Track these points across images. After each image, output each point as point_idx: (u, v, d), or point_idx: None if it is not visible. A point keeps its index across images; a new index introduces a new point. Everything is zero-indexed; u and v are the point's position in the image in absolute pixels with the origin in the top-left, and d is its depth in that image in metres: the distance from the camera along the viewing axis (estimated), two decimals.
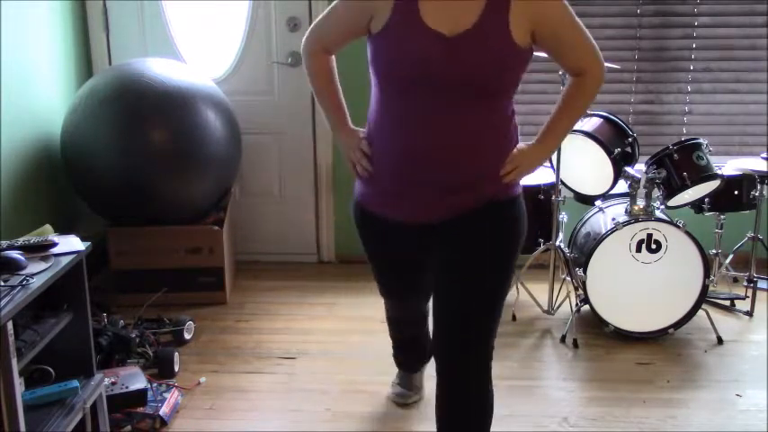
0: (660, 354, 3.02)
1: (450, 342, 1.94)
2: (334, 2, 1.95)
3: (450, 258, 1.94)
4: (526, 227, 1.99)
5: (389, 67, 1.84)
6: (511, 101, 1.91)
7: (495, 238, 1.93)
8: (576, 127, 3.18)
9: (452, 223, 1.92)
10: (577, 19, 1.85)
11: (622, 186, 3.22)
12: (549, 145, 2.01)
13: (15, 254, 1.99)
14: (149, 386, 2.56)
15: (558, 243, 3.27)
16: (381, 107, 1.92)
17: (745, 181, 3.27)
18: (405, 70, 1.81)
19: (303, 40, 2.05)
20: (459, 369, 1.96)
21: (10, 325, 1.78)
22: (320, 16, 2.01)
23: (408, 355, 2.65)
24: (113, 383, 2.50)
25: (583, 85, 1.93)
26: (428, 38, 1.76)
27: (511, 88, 1.87)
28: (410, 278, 2.24)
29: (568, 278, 3.32)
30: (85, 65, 3.80)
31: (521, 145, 1.96)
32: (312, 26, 2.04)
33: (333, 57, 2.07)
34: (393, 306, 2.45)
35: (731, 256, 3.58)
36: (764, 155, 3.27)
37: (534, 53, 1.86)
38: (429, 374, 2.47)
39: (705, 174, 3.09)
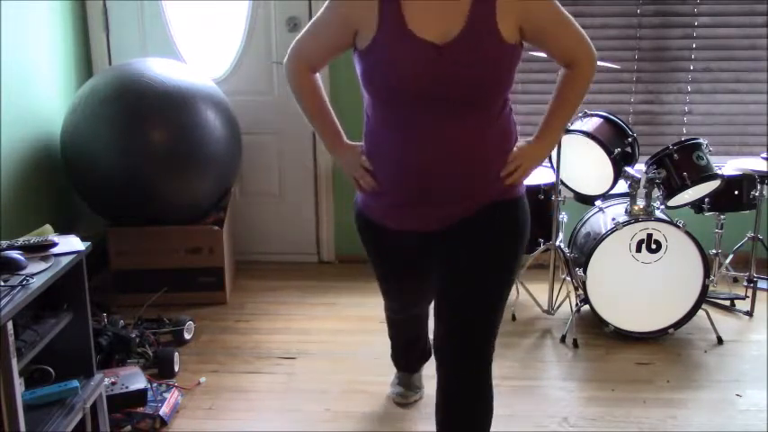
0: (660, 354, 3.02)
1: (452, 343, 1.94)
2: (315, 17, 1.91)
3: (452, 260, 1.94)
4: (529, 227, 1.98)
5: (383, 83, 1.81)
6: (507, 99, 1.89)
7: (497, 240, 1.92)
8: (576, 127, 3.18)
9: (453, 228, 1.91)
10: (563, 9, 1.84)
11: (622, 186, 3.22)
12: (548, 140, 1.99)
13: (15, 254, 2.00)
14: (149, 386, 2.56)
15: (558, 243, 3.27)
16: (377, 121, 1.90)
17: (745, 181, 3.27)
18: (399, 85, 1.78)
19: (285, 58, 2.00)
20: (461, 370, 1.96)
21: (10, 325, 1.78)
22: (301, 33, 1.96)
23: (408, 356, 2.65)
24: (113, 383, 2.50)
25: (575, 75, 1.91)
26: (419, 49, 1.74)
27: (506, 87, 1.85)
28: (412, 282, 2.24)
29: (568, 278, 3.32)
30: (85, 65, 3.80)
31: (520, 143, 1.94)
32: (294, 44, 1.98)
33: (317, 74, 2.01)
34: (394, 308, 2.44)
35: (731, 256, 3.57)
36: (764, 155, 3.27)
37: (529, 52, 1.85)
38: (429, 374, 2.47)
39: (705, 174, 3.09)
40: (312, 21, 1.92)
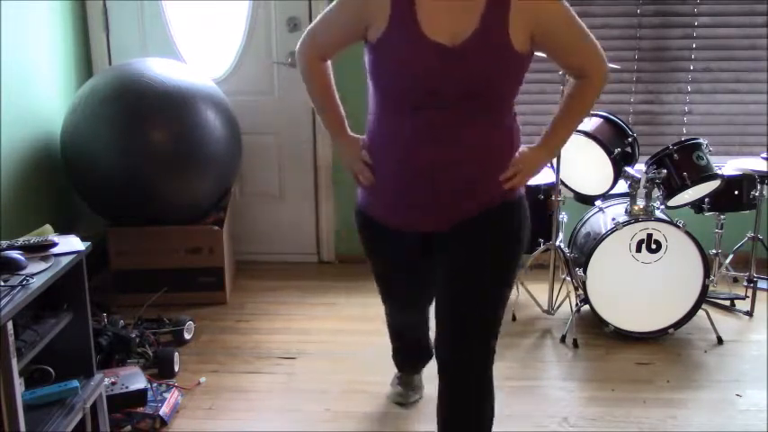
0: (660, 354, 3.02)
1: (453, 345, 1.94)
2: (330, 6, 1.92)
3: (453, 261, 1.94)
4: (529, 228, 1.98)
5: (390, 81, 1.82)
6: (512, 107, 1.90)
7: (497, 240, 1.92)
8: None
9: (454, 228, 1.91)
10: (578, 19, 1.83)
11: (622, 186, 3.22)
12: (551, 148, 2.00)
13: (15, 254, 1.99)
14: (149, 386, 2.56)
15: (558, 243, 3.27)
16: (380, 117, 1.90)
17: (745, 181, 3.27)
18: (406, 83, 1.79)
19: (298, 44, 2.01)
20: (461, 371, 1.96)
21: (10, 325, 1.78)
22: (315, 21, 1.97)
23: (408, 358, 2.64)
24: (113, 383, 2.50)
25: (585, 86, 1.91)
26: (429, 50, 1.74)
27: (512, 95, 1.86)
28: (410, 282, 2.23)
29: (568, 278, 3.32)
30: (85, 65, 3.80)
31: (523, 148, 1.94)
32: (307, 31, 1.99)
33: (329, 63, 2.02)
34: (393, 311, 2.44)
35: (731, 256, 3.57)
36: (764, 155, 3.27)
37: (534, 54, 1.85)
38: (429, 375, 2.47)
39: (705, 174, 3.09)
40: (326, 9, 1.93)
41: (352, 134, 2.06)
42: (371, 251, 2.16)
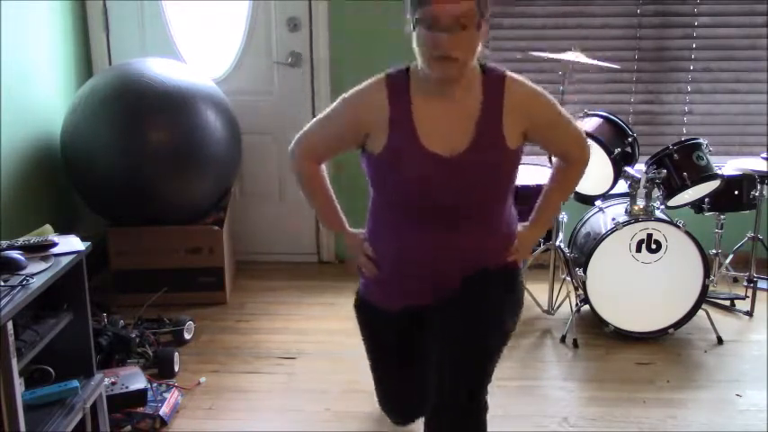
0: (660, 354, 3.02)
1: (450, 390, 1.92)
2: (327, 112, 1.93)
3: (452, 314, 1.94)
4: (523, 299, 2.08)
5: (390, 190, 1.88)
6: (510, 197, 1.97)
7: (497, 295, 1.96)
8: None
9: (456, 295, 1.95)
10: (564, 112, 1.93)
11: (622, 186, 3.22)
12: (543, 223, 2.12)
13: (15, 254, 2.00)
14: (149, 386, 2.56)
15: (558, 243, 3.27)
16: (380, 215, 1.98)
17: (745, 181, 3.27)
18: (406, 194, 1.85)
19: (293, 143, 2.01)
20: (456, 412, 1.93)
21: (10, 325, 1.78)
22: (311, 123, 1.98)
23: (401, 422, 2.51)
24: (113, 383, 2.50)
25: (570, 169, 2.03)
26: (427, 161, 1.79)
27: (509, 191, 1.94)
28: (408, 364, 2.20)
29: (568, 278, 3.32)
30: (85, 65, 3.80)
31: (519, 229, 2.03)
32: (303, 132, 1.99)
33: (322, 165, 2.03)
34: (390, 406, 2.37)
35: (731, 256, 3.57)
36: (764, 155, 3.27)
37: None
38: None
39: (705, 174, 3.09)
40: (323, 113, 1.95)
41: (351, 230, 2.09)
42: (368, 336, 2.21)
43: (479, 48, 1.76)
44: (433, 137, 1.79)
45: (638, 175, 3.10)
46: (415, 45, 1.75)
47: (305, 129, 1.99)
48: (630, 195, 3.10)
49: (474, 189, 1.83)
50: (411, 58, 1.83)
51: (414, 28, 1.73)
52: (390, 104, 1.82)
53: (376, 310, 2.10)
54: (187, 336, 3.11)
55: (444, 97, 1.81)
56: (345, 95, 1.90)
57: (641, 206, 3.07)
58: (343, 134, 1.91)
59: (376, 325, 2.17)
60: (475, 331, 1.91)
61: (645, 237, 2.98)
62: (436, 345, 1.96)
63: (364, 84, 1.88)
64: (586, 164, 2.03)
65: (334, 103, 1.92)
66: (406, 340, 2.16)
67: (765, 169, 3.20)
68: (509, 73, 1.86)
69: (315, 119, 1.98)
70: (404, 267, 1.96)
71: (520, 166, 1.93)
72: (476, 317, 1.92)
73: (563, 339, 3.12)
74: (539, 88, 1.89)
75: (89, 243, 2.21)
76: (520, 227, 2.06)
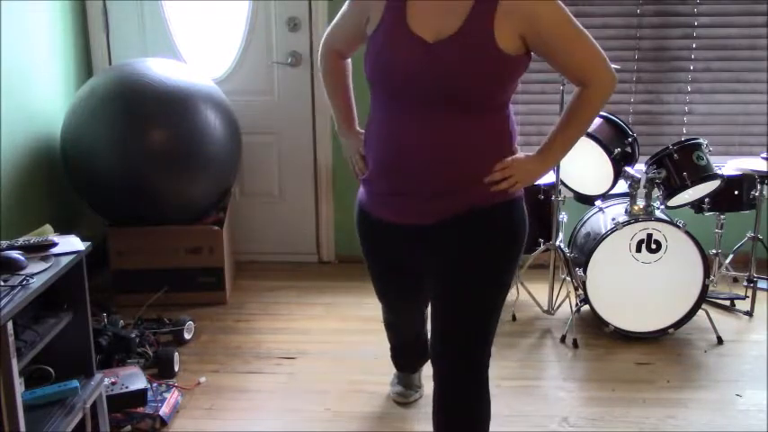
0: (660, 354, 3.02)
1: (446, 347, 1.93)
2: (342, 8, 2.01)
3: (442, 265, 1.91)
4: (525, 231, 1.92)
5: (374, 73, 1.84)
6: (503, 111, 1.84)
7: (492, 241, 1.88)
8: None
9: (443, 229, 1.87)
10: (576, 22, 1.75)
11: (622, 186, 3.22)
12: (549, 158, 1.91)
13: (15, 254, 2.00)
14: (149, 386, 2.56)
15: (558, 243, 3.27)
16: (373, 110, 1.93)
17: (745, 181, 3.27)
18: (386, 77, 1.80)
19: (321, 42, 2.12)
20: (456, 374, 1.94)
21: (10, 325, 1.78)
22: (333, 20, 2.07)
23: (407, 356, 2.64)
24: (113, 383, 2.50)
25: (587, 96, 1.81)
26: (410, 44, 1.75)
27: (499, 99, 1.80)
28: (404, 282, 2.22)
29: (568, 278, 3.32)
30: (85, 65, 3.80)
31: (519, 155, 1.89)
32: (327, 30, 2.10)
33: (348, 60, 2.12)
34: (389, 310, 2.43)
35: (731, 256, 3.57)
36: (764, 155, 3.27)
37: (531, 59, 1.82)
38: (429, 374, 2.46)
39: (705, 174, 3.09)
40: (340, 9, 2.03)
41: (357, 128, 2.15)
42: (367, 248, 2.14)
43: None
44: (421, 22, 1.76)
45: (638, 175, 3.10)
46: None
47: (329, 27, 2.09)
48: (630, 195, 3.10)
49: (456, 81, 1.72)
50: None
51: None
52: None
53: (372, 220, 2.00)
54: (187, 336, 3.11)
55: None
56: None
57: (641, 206, 3.07)
58: (352, 22, 1.96)
59: (372, 237, 2.08)
60: (466, 291, 1.88)
61: (645, 237, 2.99)
62: (430, 286, 1.97)
63: None
64: (607, 88, 1.80)
65: None
66: (400, 271, 2.13)
67: (765, 169, 3.20)
68: None
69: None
70: (388, 170, 1.87)
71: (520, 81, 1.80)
72: (466, 276, 1.87)
73: (563, 339, 3.12)
74: None
75: (89, 243, 2.20)
76: (521, 154, 1.88)
